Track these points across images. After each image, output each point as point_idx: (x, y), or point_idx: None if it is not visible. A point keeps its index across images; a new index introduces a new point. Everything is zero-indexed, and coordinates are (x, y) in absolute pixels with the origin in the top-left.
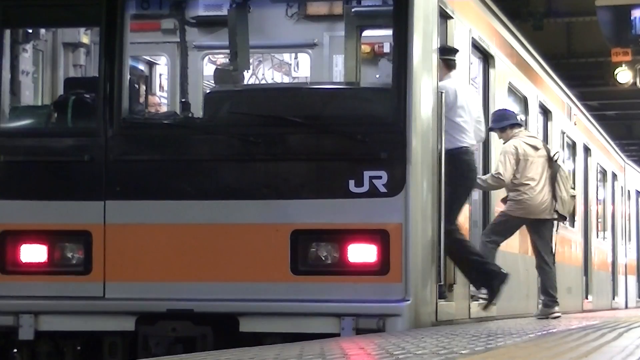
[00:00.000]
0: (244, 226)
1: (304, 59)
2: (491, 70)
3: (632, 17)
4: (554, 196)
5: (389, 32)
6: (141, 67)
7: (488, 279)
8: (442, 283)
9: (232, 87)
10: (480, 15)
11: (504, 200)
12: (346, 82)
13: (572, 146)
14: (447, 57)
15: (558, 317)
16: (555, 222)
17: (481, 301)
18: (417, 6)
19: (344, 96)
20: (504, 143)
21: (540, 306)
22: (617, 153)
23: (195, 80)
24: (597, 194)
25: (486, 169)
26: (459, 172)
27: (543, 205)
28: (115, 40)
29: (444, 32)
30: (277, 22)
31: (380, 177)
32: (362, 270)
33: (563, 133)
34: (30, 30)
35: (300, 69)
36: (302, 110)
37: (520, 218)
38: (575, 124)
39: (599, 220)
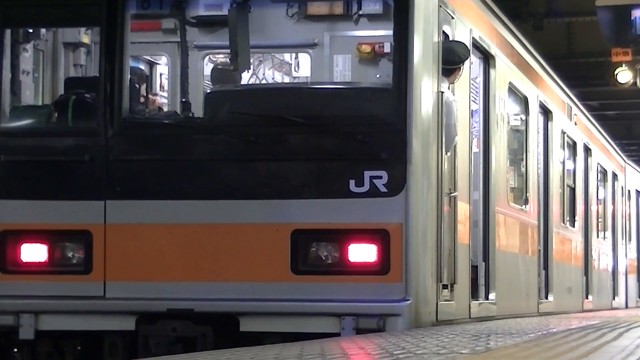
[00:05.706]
0: (245, 226)
1: (305, 59)
2: (491, 71)
3: (632, 17)
4: None
5: (389, 32)
6: (142, 66)
7: None
8: (442, 282)
9: (233, 87)
10: (481, 15)
11: None
12: (346, 82)
13: (573, 146)
14: None
15: None
16: None
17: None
18: (417, 6)
19: (345, 96)
20: None
21: None
22: (618, 153)
23: (196, 80)
24: (597, 194)
25: (487, 169)
26: None
27: None
28: (115, 40)
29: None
30: (278, 22)
31: (380, 177)
32: (362, 270)
33: (563, 133)
34: (31, 30)
35: (301, 69)
36: (303, 110)
37: None
38: (575, 124)
39: (600, 220)
